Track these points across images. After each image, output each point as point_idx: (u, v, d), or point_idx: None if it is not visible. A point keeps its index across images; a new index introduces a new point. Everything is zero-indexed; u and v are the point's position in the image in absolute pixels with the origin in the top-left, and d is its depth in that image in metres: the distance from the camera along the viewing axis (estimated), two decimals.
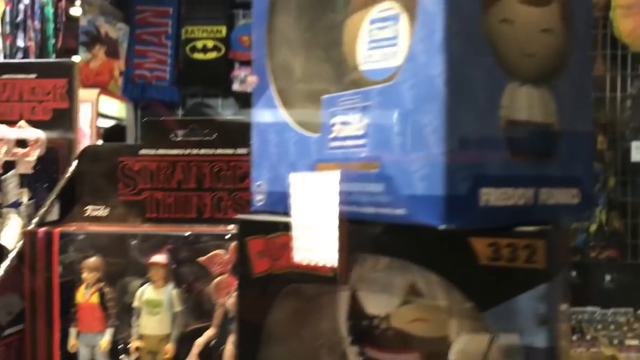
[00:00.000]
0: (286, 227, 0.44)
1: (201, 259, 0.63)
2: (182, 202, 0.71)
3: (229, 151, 0.70)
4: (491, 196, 0.36)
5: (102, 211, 0.72)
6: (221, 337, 0.65)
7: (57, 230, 0.64)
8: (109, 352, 0.65)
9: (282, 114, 0.48)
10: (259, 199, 0.50)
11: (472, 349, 0.38)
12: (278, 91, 0.49)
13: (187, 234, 0.64)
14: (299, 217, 0.42)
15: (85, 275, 0.65)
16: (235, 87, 2.83)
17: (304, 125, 0.46)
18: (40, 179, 0.76)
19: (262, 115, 0.50)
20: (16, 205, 0.74)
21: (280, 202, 0.47)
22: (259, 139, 0.50)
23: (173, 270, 0.65)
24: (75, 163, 0.74)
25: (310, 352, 0.44)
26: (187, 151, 0.71)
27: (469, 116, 0.35)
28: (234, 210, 0.69)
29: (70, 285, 0.66)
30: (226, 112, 2.95)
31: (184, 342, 0.65)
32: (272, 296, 0.44)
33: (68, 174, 0.73)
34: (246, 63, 2.73)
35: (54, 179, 0.78)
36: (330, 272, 0.42)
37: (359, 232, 0.41)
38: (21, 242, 0.65)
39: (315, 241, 0.41)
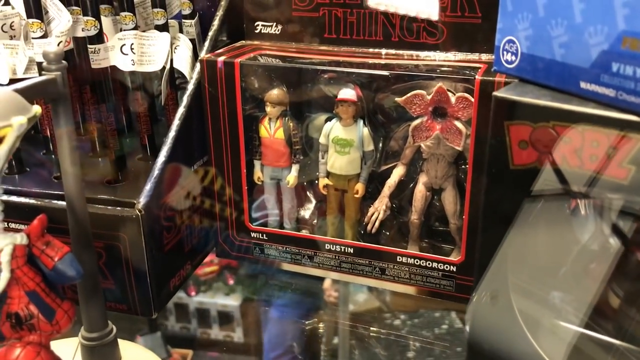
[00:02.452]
0: (565, 116, 0.34)
1: (399, 99, 0.55)
2: (367, 21, 0.61)
3: None
4: None
5: (273, 28, 0.64)
6: (411, 176, 0.60)
7: (238, 61, 0.57)
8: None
9: None
10: (508, 59, 0.40)
11: None
12: None
13: (386, 73, 0.55)
14: None
15: (269, 109, 0.60)
16: None
17: None
18: None
19: None
20: (179, 16, 0.67)
21: (545, 72, 0.37)
22: None
23: (365, 107, 0.58)
24: None
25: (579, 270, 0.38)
26: None
27: None
28: (427, 34, 0.59)
29: (253, 118, 0.61)
30: None
31: (374, 181, 0.61)
32: (530, 192, 0.37)
33: None
34: None
35: None
36: (624, 178, 0.33)
37: None
38: (198, 71, 0.59)
39: None
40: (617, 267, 0.41)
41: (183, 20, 0.66)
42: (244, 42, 0.65)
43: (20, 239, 0.35)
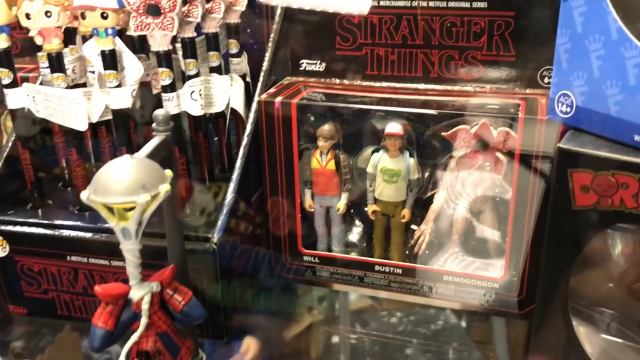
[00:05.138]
0: (624, 166, 0.40)
1: (445, 133, 0.61)
2: (407, 59, 0.66)
3: (464, 4, 0.62)
4: None
5: (318, 66, 0.69)
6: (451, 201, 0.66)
7: (295, 102, 0.62)
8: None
9: (617, 21, 0.40)
10: (563, 109, 0.46)
11: None
12: None
13: (434, 112, 0.60)
14: None
15: (321, 143, 0.65)
16: None
17: None
18: (244, 27, 0.72)
19: (577, 14, 0.43)
20: (226, 55, 0.71)
21: (600, 124, 0.43)
22: (572, 42, 0.44)
23: (412, 141, 0.64)
24: (282, 11, 0.68)
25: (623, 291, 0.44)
26: (415, 3, 0.64)
27: None
28: (465, 71, 0.64)
29: (305, 151, 0.66)
30: None
31: (418, 206, 0.67)
32: (592, 230, 0.43)
33: (278, 25, 0.69)
34: None
35: (258, 26, 0.74)
36: None
37: None
38: (255, 110, 0.64)
39: None
40: None
41: (230, 59, 0.71)
42: (289, 78, 0.70)
43: (156, 287, 0.39)
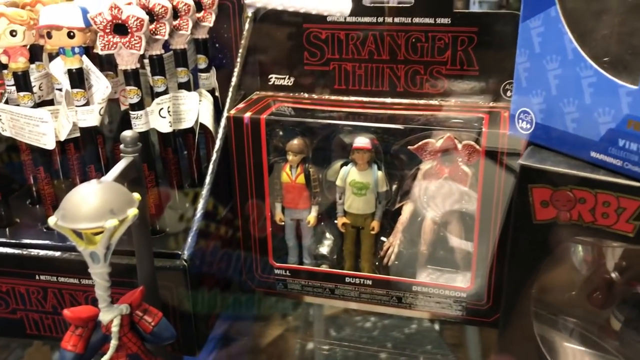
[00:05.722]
0: (581, 182, 0.42)
1: (411, 147, 0.62)
2: (374, 74, 0.67)
3: (429, 20, 0.64)
4: None
5: (286, 81, 0.70)
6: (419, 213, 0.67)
7: (264, 117, 0.63)
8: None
9: (572, 42, 0.42)
10: (523, 126, 0.47)
11: None
12: (567, 11, 0.42)
13: (401, 127, 0.61)
14: None
15: (291, 157, 0.65)
16: None
17: (610, 65, 0.40)
18: (213, 43, 0.73)
19: (535, 34, 0.44)
20: (195, 70, 0.71)
21: (559, 140, 0.44)
22: (531, 61, 0.45)
23: (380, 154, 0.65)
24: (251, 27, 0.69)
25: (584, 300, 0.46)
26: (381, 19, 0.65)
27: None
28: (430, 85, 0.66)
29: (274, 165, 0.67)
30: None
31: (386, 217, 0.68)
32: (552, 243, 0.44)
33: (246, 40, 0.69)
34: None
35: (227, 41, 0.74)
36: (631, 231, 0.41)
37: None
38: (224, 126, 0.64)
39: None
40: (617, 297, 0.49)
41: (199, 74, 0.71)
42: (258, 93, 0.70)
43: (125, 309, 0.39)
